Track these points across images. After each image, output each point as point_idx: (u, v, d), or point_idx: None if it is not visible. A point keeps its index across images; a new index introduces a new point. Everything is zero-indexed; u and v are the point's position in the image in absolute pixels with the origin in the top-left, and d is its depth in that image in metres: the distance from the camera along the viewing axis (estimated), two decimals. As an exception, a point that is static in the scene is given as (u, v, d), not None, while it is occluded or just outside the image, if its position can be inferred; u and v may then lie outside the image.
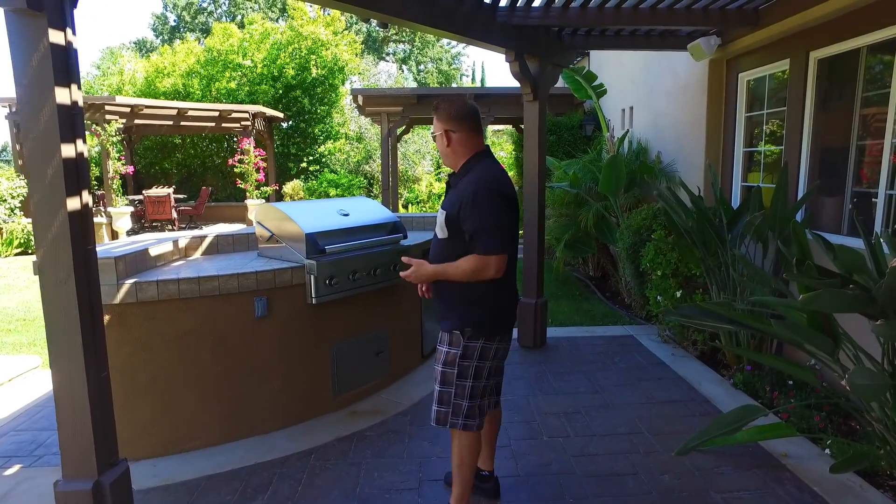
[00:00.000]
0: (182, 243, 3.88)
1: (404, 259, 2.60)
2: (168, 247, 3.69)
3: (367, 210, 4.09)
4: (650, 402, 3.96)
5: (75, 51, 2.08)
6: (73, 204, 2.09)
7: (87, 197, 2.17)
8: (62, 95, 2.02)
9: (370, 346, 4.03)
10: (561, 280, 8.09)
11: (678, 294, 4.83)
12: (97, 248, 3.34)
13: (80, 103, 2.13)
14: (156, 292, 3.14)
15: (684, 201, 4.76)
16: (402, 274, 2.59)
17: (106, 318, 3.07)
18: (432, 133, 2.54)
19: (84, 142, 2.16)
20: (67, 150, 2.06)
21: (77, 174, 2.11)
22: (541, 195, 5.06)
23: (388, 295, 4.08)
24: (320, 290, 3.52)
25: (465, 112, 2.47)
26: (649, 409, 3.85)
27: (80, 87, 2.12)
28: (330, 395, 3.81)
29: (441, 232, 2.47)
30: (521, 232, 4.54)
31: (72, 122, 2.07)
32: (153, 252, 3.49)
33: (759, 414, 3.04)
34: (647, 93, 7.40)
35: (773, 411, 3.53)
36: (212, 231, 4.38)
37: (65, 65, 2.03)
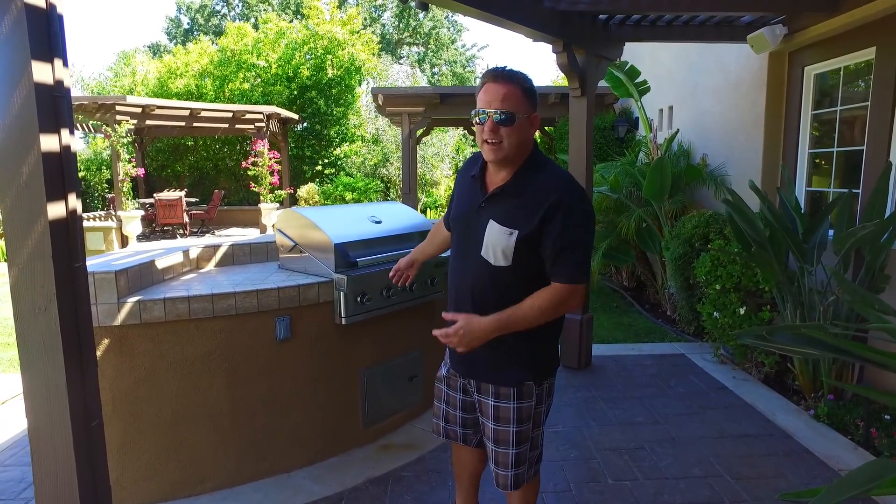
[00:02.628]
0: (193, 254, 3.45)
1: (446, 315, 1.89)
2: (178, 258, 3.26)
3: (400, 216, 3.63)
4: (721, 437, 3.47)
5: (60, 17, 1.65)
6: (55, 211, 1.65)
7: (74, 202, 1.73)
8: (42, 72, 1.58)
9: (403, 369, 3.58)
10: (595, 290, 7.59)
11: (741, 311, 4.33)
12: (95, 261, 2.92)
13: (67, 84, 1.69)
14: (162, 312, 2.70)
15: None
16: (439, 333, 1.85)
17: (105, 342, 2.65)
18: (502, 115, 1.74)
19: (72, 133, 1.72)
20: (49, 142, 1.62)
21: (62, 173, 1.67)
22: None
23: (422, 311, 3.62)
24: (350, 308, 3.07)
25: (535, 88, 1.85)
26: (722, 446, 3.36)
27: (66, 64, 1.68)
28: (360, 427, 3.36)
29: (502, 258, 1.80)
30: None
31: (55, 106, 1.64)
32: (160, 264, 3.06)
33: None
34: (688, 91, 6.90)
35: None
36: (226, 239, 3.96)
37: (45, 33, 1.59)
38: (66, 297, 1.70)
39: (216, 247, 3.54)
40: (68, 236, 1.71)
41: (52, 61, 1.62)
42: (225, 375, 2.87)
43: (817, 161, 4.81)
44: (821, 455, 3.18)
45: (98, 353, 2.64)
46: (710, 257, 4.67)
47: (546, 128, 12.01)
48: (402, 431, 3.57)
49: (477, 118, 1.82)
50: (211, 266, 3.52)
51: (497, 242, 1.80)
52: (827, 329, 3.02)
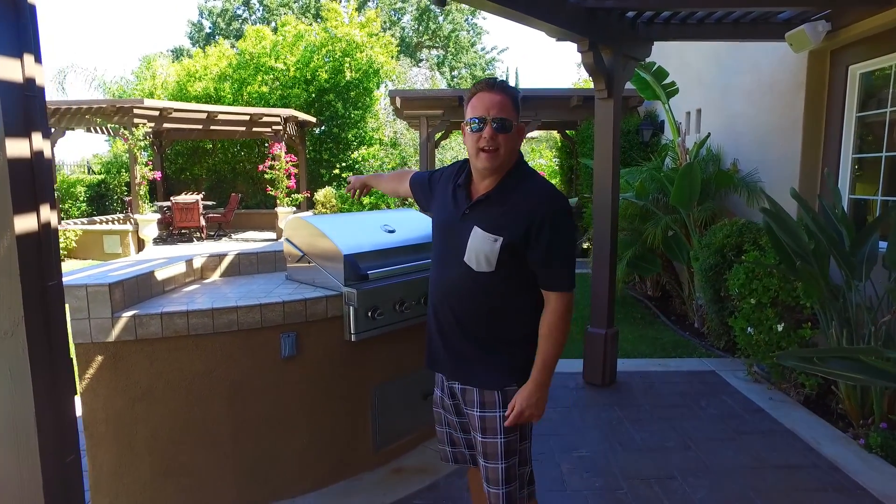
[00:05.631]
0: (197, 263, 3.27)
1: (508, 413, 1.83)
2: (180, 268, 3.08)
3: (415, 225, 3.43)
4: (761, 467, 3.20)
5: (31, 7, 1.47)
6: (24, 224, 1.47)
7: (47, 214, 1.54)
8: (7, 68, 1.40)
9: (416, 387, 3.36)
10: (618, 300, 7.28)
11: (778, 327, 4.05)
12: (91, 271, 2.76)
13: (40, 83, 1.51)
14: (159, 327, 2.52)
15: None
16: (510, 422, 1.83)
17: (98, 359, 2.48)
18: (501, 122, 1.75)
19: (46, 136, 1.54)
20: (16, 147, 1.44)
21: (32, 182, 1.49)
22: (614, 208, 4.35)
23: (438, 326, 3.40)
24: (361, 324, 2.86)
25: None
26: (763, 477, 3.09)
27: (39, 60, 1.51)
28: (370, 450, 3.15)
29: (485, 264, 1.80)
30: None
31: (24, 106, 1.46)
32: (161, 275, 2.89)
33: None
34: (718, 93, 6.61)
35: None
36: (242, 244, 3.78)
37: (11, 24, 1.41)
38: (37, 318, 1.52)
39: (221, 256, 3.36)
40: (40, 252, 1.53)
41: (20, 56, 1.44)
42: (226, 395, 2.68)
43: (861, 167, 4.50)
44: (876, 493, 2.90)
45: (91, 371, 2.48)
46: (744, 269, 4.40)
47: (567, 131, 11.75)
48: (414, 454, 3.36)
49: (470, 127, 1.81)
50: (216, 276, 3.35)
51: (481, 249, 1.80)
52: (886, 354, 2.75)
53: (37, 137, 1.50)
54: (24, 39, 1.45)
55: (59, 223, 12.02)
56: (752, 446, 3.43)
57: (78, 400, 2.58)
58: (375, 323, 2.92)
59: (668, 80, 5.96)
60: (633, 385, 4.46)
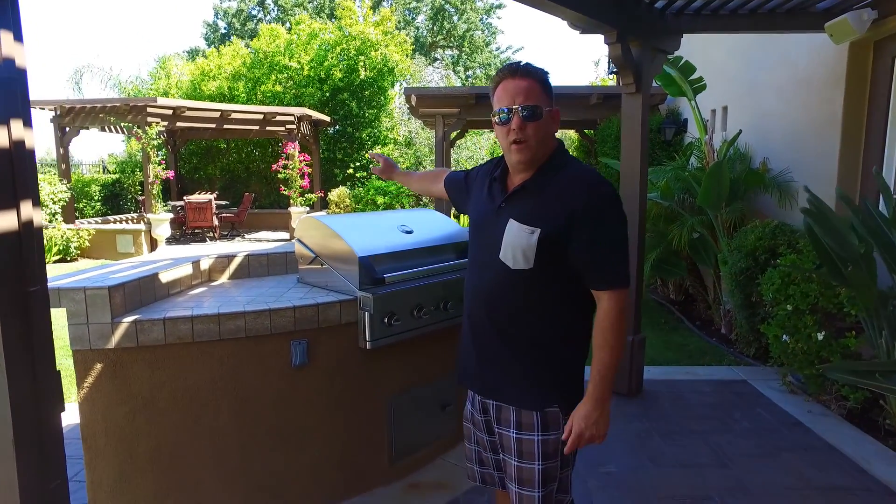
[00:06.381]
0: (205, 265, 3.11)
1: (565, 437, 1.63)
2: (186, 270, 2.92)
3: (433, 225, 3.24)
4: (806, 488, 2.97)
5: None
6: (2, 223, 1.30)
7: (30, 212, 1.38)
8: (-21, 44, 1.24)
9: (435, 397, 3.18)
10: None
11: (818, 336, 3.80)
12: (91, 273, 2.60)
13: (21, 64, 1.35)
14: (162, 334, 2.36)
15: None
16: (568, 448, 1.64)
17: (97, 367, 2.32)
18: (528, 110, 1.59)
19: (27, 125, 1.37)
20: (-8, 136, 1.27)
21: (12, 176, 1.33)
22: (642, 209, 4.14)
23: (456, 332, 3.20)
24: (377, 330, 2.68)
25: None
26: (809, 501, 2.86)
27: (19, 37, 1.34)
28: (385, 464, 2.97)
29: (522, 260, 1.61)
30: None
31: (2, 90, 1.29)
32: (165, 277, 2.72)
33: None
34: (745, 90, 6.36)
35: None
36: (255, 244, 3.62)
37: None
38: (16, 329, 1.35)
39: (230, 257, 3.20)
40: (21, 254, 1.36)
41: (-4, 32, 1.27)
42: (233, 406, 2.51)
43: None
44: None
45: (89, 380, 2.32)
46: (779, 273, 4.16)
47: (585, 130, 11.51)
48: (432, 468, 3.17)
49: (498, 118, 1.66)
50: (224, 278, 3.19)
51: (517, 243, 1.61)
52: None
53: (17, 125, 1.34)
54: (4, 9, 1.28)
55: (74, 222, 12.01)
56: (793, 464, 3.20)
57: (76, 410, 2.43)
58: (392, 330, 2.74)
59: (694, 76, 5.71)
60: (660, 395, 4.24)
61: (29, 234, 1.38)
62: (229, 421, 2.51)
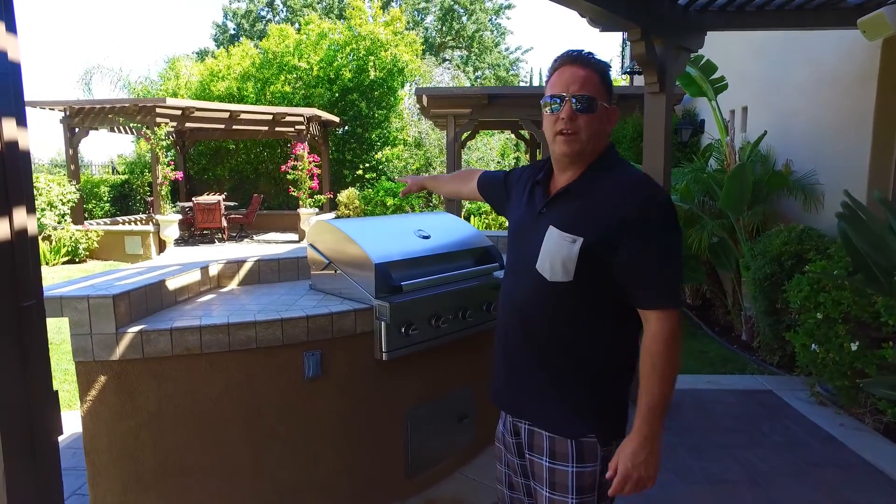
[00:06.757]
0: (214, 271, 3.00)
1: (609, 475, 1.45)
2: (194, 276, 2.80)
3: (451, 230, 3.11)
4: (844, 508, 2.82)
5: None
6: (-9, 231, 1.18)
7: (23, 219, 1.26)
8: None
9: (452, 410, 3.05)
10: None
11: (852, 346, 3.64)
12: (95, 280, 2.49)
13: (14, 57, 1.23)
14: (169, 344, 2.24)
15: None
16: (613, 490, 1.44)
17: (101, 379, 2.20)
18: (582, 100, 1.44)
19: (21, 123, 1.25)
20: (-20, 136, 1.15)
21: (3, 179, 1.20)
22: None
23: (475, 341, 3.08)
24: (393, 341, 2.55)
25: None
26: (848, 521, 2.71)
27: (12, 28, 1.22)
28: (402, 478, 2.84)
29: (561, 272, 1.45)
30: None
31: (-8, 85, 1.17)
32: (172, 284, 2.61)
33: None
34: (766, 89, 6.19)
35: None
36: (264, 247, 3.51)
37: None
38: (9, 347, 1.23)
39: (240, 263, 3.08)
40: (13, 265, 1.24)
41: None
42: (243, 420, 2.39)
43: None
44: None
45: (93, 393, 2.21)
46: (807, 280, 4.00)
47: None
48: (450, 482, 3.04)
49: (549, 106, 1.51)
50: (234, 285, 3.07)
51: (557, 252, 1.46)
52: None
53: (9, 124, 1.22)
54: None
55: (83, 223, 11.97)
56: (828, 482, 3.04)
57: (79, 423, 2.32)
58: (409, 340, 2.61)
59: (718, 75, 5.55)
60: (683, 405, 4.09)
61: (23, 244, 1.25)
62: (239, 436, 2.39)
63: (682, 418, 3.87)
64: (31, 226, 1.29)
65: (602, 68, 1.50)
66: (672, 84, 3.95)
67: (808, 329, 3.96)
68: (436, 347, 2.76)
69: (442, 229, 3.05)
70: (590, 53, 1.51)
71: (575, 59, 1.49)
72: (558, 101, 1.48)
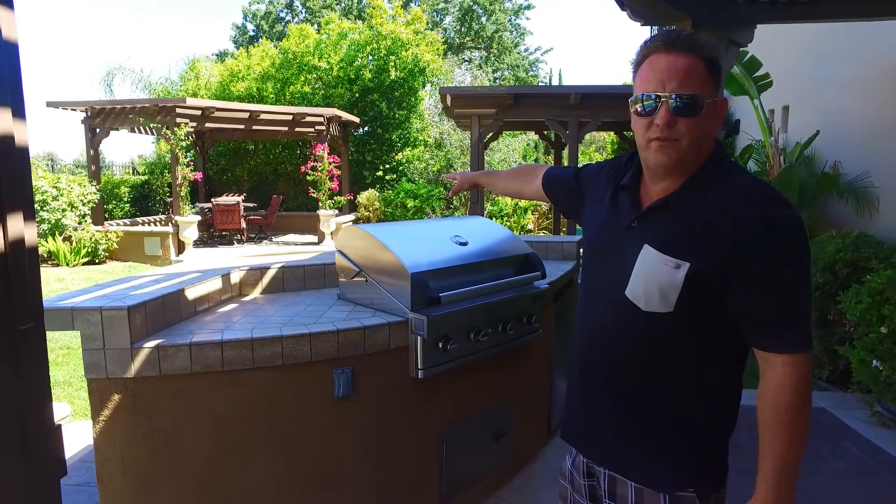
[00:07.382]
0: (235, 278, 2.81)
1: None
2: (215, 284, 2.62)
3: (490, 235, 2.89)
4: (926, 546, 2.54)
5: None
6: (-21, 242, 0.99)
7: (20, 227, 1.06)
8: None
9: (489, 428, 2.83)
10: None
11: (921, 362, 3.36)
12: (108, 290, 2.31)
13: (10, 36, 1.03)
14: (188, 361, 2.05)
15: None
16: None
17: (115, 398, 2.02)
18: (683, 100, 1.16)
19: (18, 115, 1.06)
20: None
21: (-4, 180, 1.01)
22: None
23: (512, 355, 2.87)
24: (430, 357, 2.34)
25: None
26: (933, 562, 2.43)
27: (9, 3, 1.02)
28: (435, 502, 2.62)
29: (659, 301, 1.21)
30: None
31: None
32: (192, 294, 2.42)
33: None
34: (811, 87, 5.89)
35: None
36: (283, 248, 3.34)
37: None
38: (5, 377, 1.04)
39: (263, 270, 2.89)
40: (8, 284, 1.05)
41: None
42: (267, 443, 2.19)
43: None
44: None
45: (106, 413, 2.03)
46: (868, 290, 3.71)
47: (625, 132, 11.05)
48: (486, 508, 2.82)
49: (640, 106, 1.22)
50: (256, 293, 2.88)
51: (654, 278, 1.21)
52: None
53: (4, 115, 1.02)
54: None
55: (103, 224, 11.94)
56: (903, 515, 2.77)
57: (92, 445, 2.15)
58: (446, 356, 2.39)
59: (762, 72, 5.27)
60: (731, 423, 3.81)
61: (19, 257, 1.06)
62: (263, 458, 2.20)
63: (733, 439, 3.60)
64: (30, 235, 1.09)
65: (708, 53, 1.20)
66: (722, 79, 3.69)
67: (869, 344, 3.67)
68: (472, 363, 2.54)
69: (479, 235, 2.83)
70: (691, 34, 1.20)
71: (672, 44, 1.18)
72: (653, 100, 1.19)
